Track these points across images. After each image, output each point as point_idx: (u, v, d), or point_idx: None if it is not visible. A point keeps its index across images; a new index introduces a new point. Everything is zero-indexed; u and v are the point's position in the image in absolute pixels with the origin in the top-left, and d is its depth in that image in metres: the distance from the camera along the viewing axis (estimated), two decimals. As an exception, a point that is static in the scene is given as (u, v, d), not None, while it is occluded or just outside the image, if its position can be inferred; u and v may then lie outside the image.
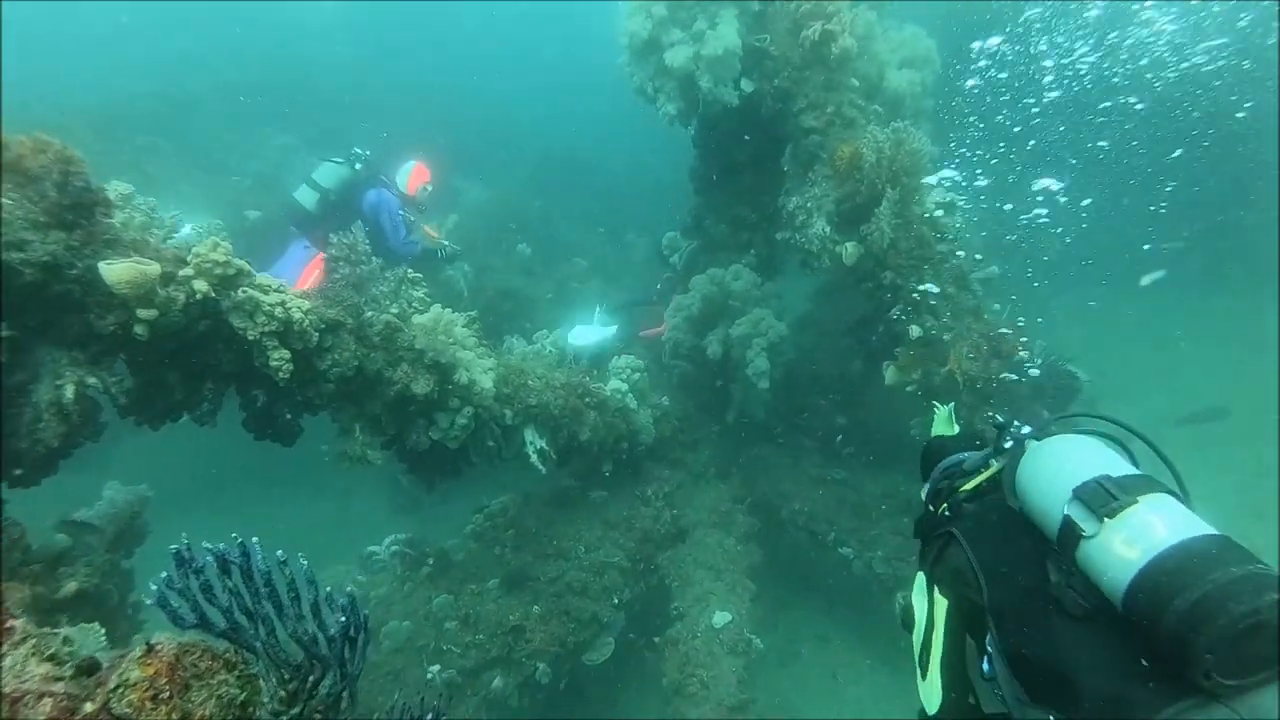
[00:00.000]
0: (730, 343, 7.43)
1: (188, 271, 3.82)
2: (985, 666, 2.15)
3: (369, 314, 5.00)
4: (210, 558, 1.78)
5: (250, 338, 4.12)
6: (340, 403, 5.17)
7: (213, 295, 3.92)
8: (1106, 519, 1.87)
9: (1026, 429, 2.36)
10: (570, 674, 7.10)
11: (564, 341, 8.19)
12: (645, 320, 9.10)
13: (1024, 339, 6.85)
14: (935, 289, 6.78)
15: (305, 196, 7.89)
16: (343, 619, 1.93)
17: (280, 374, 4.29)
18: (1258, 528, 8.56)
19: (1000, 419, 2.47)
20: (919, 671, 2.31)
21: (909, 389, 7.14)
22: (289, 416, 4.90)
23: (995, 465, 2.38)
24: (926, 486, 2.67)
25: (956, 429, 3.04)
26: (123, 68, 15.29)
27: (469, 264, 10.85)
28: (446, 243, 8.77)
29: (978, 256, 7.21)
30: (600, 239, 14.14)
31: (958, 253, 6.94)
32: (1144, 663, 1.76)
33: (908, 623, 2.44)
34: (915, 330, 6.90)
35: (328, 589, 1.95)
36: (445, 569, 7.09)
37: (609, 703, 7.55)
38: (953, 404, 3.13)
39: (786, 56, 6.85)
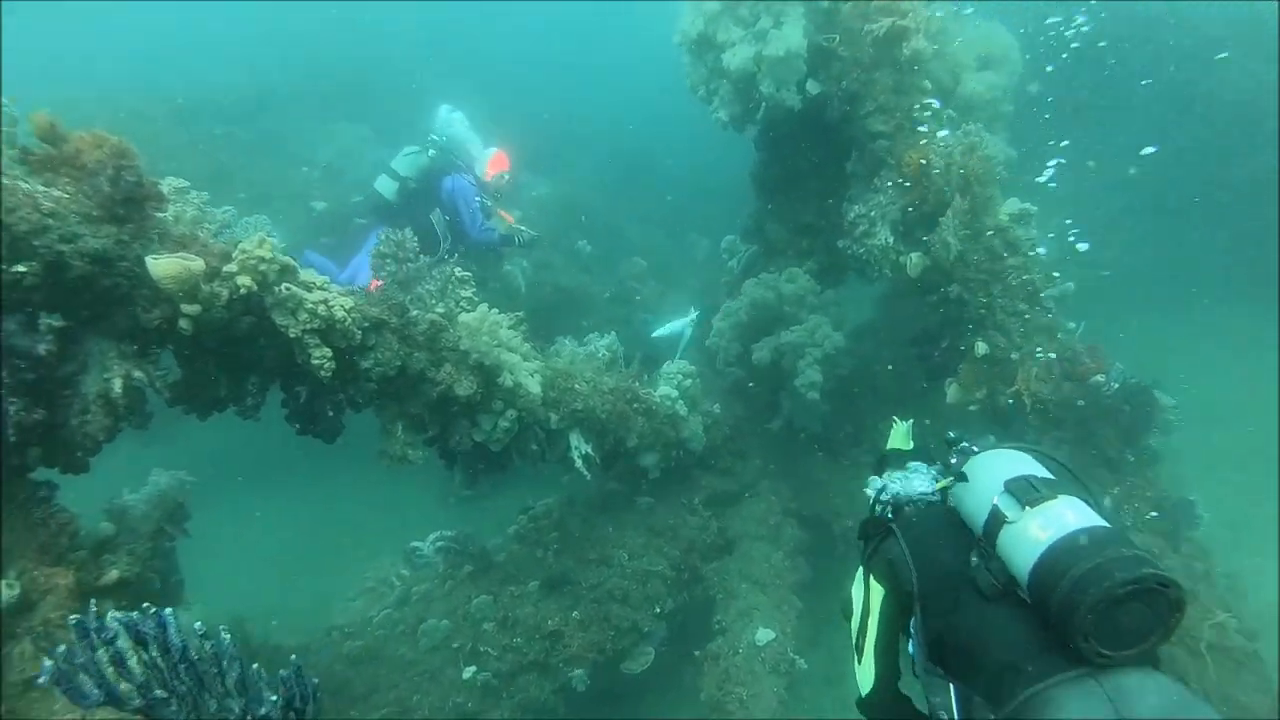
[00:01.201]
0: (782, 350, 7.18)
1: (232, 267, 3.83)
2: (911, 649, 2.39)
3: (414, 313, 4.97)
4: (121, 627, 1.66)
5: (292, 335, 4.12)
6: (383, 401, 5.16)
7: (256, 291, 3.92)
8: (1028, 507, 2.17)
9: (975, 447, 2.62)
10: (608, 682, 7.01)
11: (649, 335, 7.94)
12: None
13: (1101, 360, 6.44)
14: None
15: (385, 186, 7.93)
16: (275, 698, 1.75)
17: (322, 372, 4.28)
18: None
19: (952, 435, 2.75)
20: (855, 656, 2.54)
21: (971, 408, 6.79)
22: (331, 414, 4.91)
23: (944, 481, 2.61)
24: (872, 494, 2.87)
25: (911, 445, 3.17)
26: (205, 60, 15.85)
27: (528, 260, 10.82)
28: (524, 228, 8.64)
29: (1055, 274, 6.79)
30: (661, 239, 13.98)
31: (1031, 268, 6.56)
32: (1039, 637, 2.02)
33: (847, 612, 2.67)
34: (981, 347, 6.54)
35: (255, 666, 1.77)
36: (486, 569, 7.07)
37: (645, 714, 7.41)
38: (910, 421, 3.29)
39: (856, 57, 6.56)
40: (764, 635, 6.92)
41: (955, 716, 2.15)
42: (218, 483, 10.71)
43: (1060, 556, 2.03)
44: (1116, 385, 6.35)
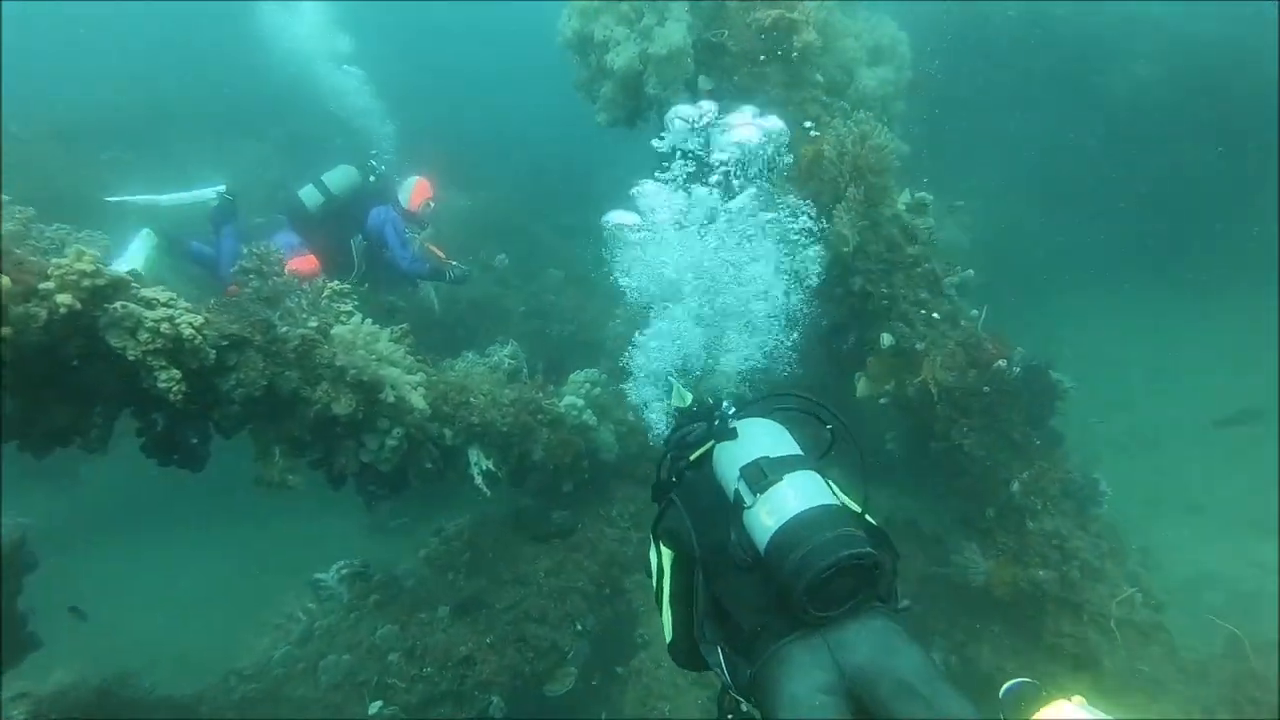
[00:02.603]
0: (695, 353, 7.04)
1: (48, 285, 3.48)
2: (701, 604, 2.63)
3: (283, 329, 4.65)
4: None
5: (132, 357, 3.77)
6: (257, 424, 4.82)
7: (82, 310, 3.57)
8: (759, 494, 2.45)
9: (732, 409, 2.96)
10: (531, 707, 6.71)
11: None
12: None
13: (1002, 346, 6.47)
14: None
15: (309, 196, 7.50)
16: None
17: (172, 395, 3.94)
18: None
19: (712, 399, 3.14)
20: (659, 610, 2.80)
21: (881, 401, 6.76)
22: (194, 441, 4.55)
23: (711, 442, 2.84)
24: (666, 455, 3.13)
25: (689, 398, 3.52)
26: (94, 77, 15.03)
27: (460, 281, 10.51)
28: (455, 263, 8.44)
29: (962, 270, 6.81)
30: (582, 248, 13.78)
31: (931, 256, 6.57)
32: (778, 603, 2.33)
33: (648, 572, 2.89)
34: (886, 339, 6.51)
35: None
36: (395, 597, 6.71)
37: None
38: (681, 379, 3.86)
39: (745, 51, 6.49)
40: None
41: (725, 676, 2.44)
42: (133, 519, 10.10)
43: (782, 541, 2.35)
44: (1018, 369, 6.39)
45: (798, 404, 2.98)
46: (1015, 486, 6.42)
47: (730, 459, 2.66)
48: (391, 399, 4.89)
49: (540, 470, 6.74)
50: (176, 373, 3.93)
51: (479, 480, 5.95)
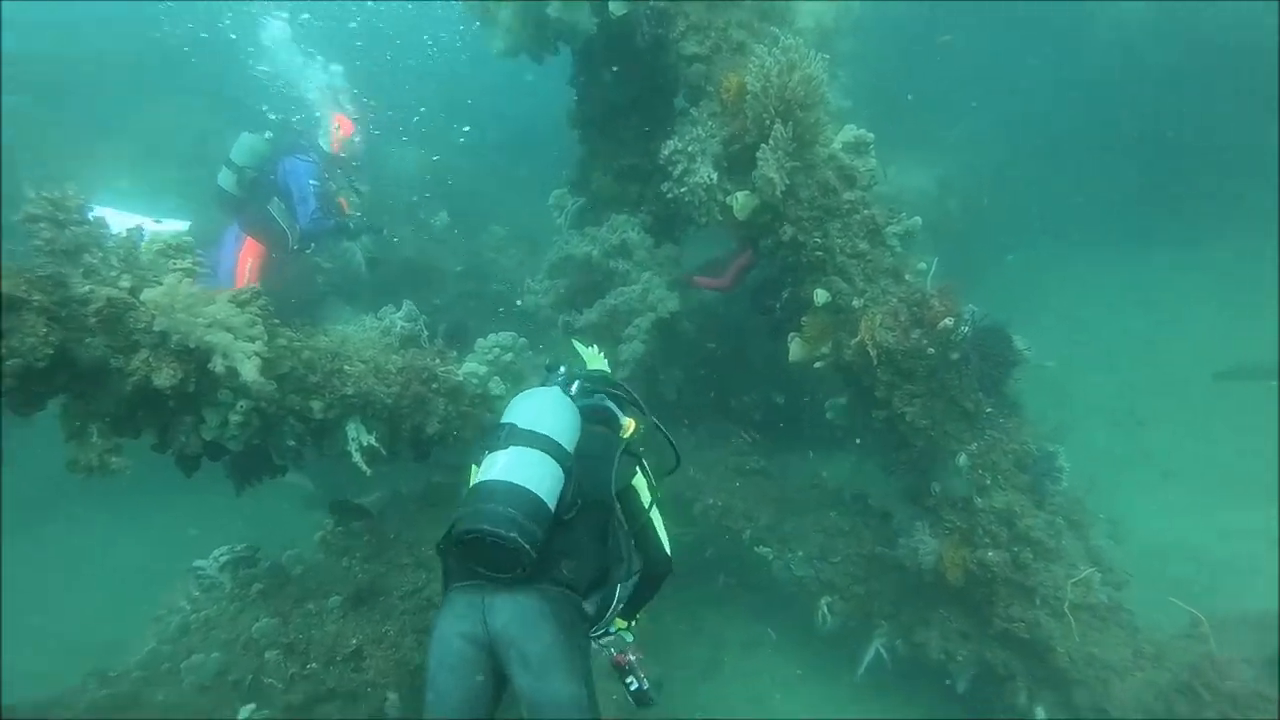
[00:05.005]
0: (614, 314, 6.35)
1: None
2: None
3: (86, 288, 3.94)
4: None
5: None
6: (68, 400, 4.14)
7: None
8: (488, 452, 2.85)
9: (560, 373, 3.51)
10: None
11: None
12: (710, 266, 7.74)
13: (951, 302, 5.78)
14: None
15: (224, 179, 7.31)
16: None
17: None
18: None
19: (549, 364, 3.65)
20: None
21: (817, 365, 6.09)
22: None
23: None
24: None
25: (592, 359, 3.99)
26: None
27: (368, 235, 9.77)
28: (358, 214, 7.96)
29: (907, 217, 6.06)
30: (524, 203, 12.98)
31: (871, 203, 5.84)
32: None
33: None
34: (821, 295, 5.82)
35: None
36: (281, 585, 6.09)
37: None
38: (589, 344, 4.14)
39: (663, -31, 5.69)
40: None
41: None
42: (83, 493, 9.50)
43: (465, 498, 2.77)
44: (967, 329, 5.71)
45: (621, 393, 3.52)
46: (962, 460, 5.80)
47: (505, 411, 3.02)
48: (220, 369, 4.19)
49: (441, 444, 6.09)
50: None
51: (357, 458, 5.29)
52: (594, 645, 3.08)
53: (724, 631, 8.26)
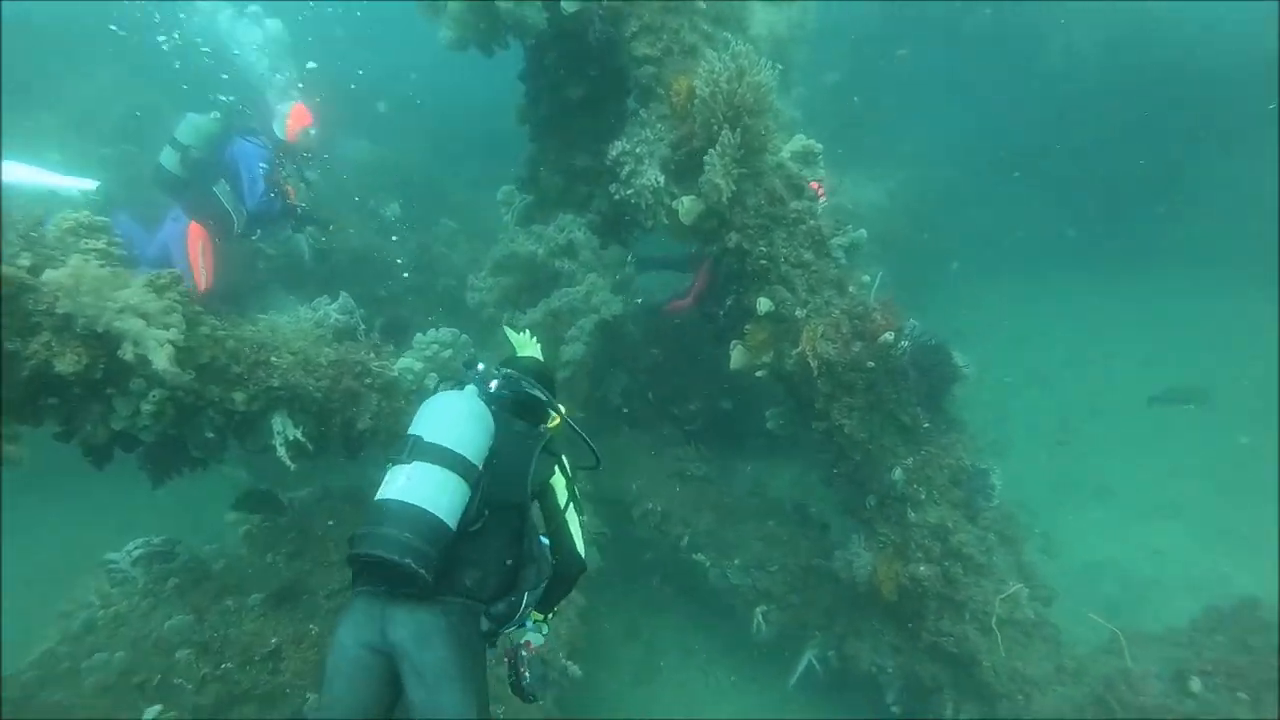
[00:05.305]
0: (558, 316, 6.25)
1: None
2: None
3: (-23, 267, 3.72)
4: None
5: None
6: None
7: None
8: (390, 465, 2.82)
9: (477, 371, 3.35)
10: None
11: None
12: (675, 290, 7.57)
13: (892, 316, 5.79)
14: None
15: (167, 158, 7.01)
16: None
17: None
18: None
19: (466, 360, 4.00)
20: None
21: (759, 374, 6.07)
22: None
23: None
24: None
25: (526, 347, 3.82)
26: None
27: (315, 227, 9.51)
28: (302, 204, 7.75)
29: (853, 229, 6.06)
30: (477, 197, 12.79)
31: (817, 213, 5.84)
32: None
33: None
34: (764, 304, 5.80)
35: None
36: (198, 581, 5.86)
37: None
38: (521, 330, 4.01)
39: (617, -34, 5.61)
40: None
41: None
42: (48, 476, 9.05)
43: (365, 513, 2.74)
44: (906, 344, 5.74)
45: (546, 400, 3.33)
46: (898, 474, 5.82)
47: (413, 420, 2.96)
48: (131, 357, 3.99)
49: (374, 441, 5.92)
50: None
51: (282, 452, 5.10)
52: (502, 634, 3.00)
53: (660, 637, 8.21)
